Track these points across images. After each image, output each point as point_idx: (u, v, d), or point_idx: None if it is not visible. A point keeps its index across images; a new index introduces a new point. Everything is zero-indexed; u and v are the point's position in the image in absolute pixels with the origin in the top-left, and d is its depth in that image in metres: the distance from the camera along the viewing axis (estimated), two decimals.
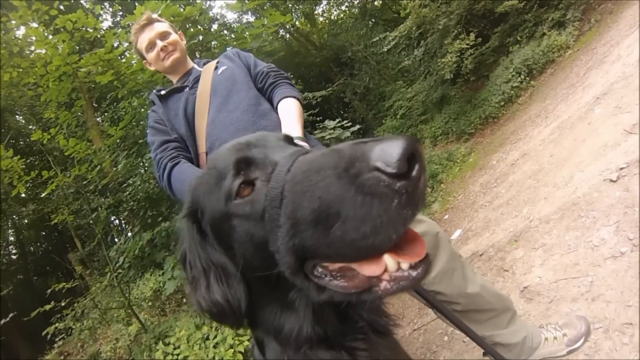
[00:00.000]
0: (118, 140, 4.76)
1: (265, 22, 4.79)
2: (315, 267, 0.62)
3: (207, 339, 3.85)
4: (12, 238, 15.31)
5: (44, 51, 4.66)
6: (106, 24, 13.93)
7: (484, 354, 1.81)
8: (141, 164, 4.79)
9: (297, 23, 13.31)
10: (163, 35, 1.90)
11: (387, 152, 0.49)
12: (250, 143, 0.75)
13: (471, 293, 1.60)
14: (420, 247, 0.59)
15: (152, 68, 2.00)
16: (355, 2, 14.68)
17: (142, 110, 4.50)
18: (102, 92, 6.02)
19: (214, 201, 0.71)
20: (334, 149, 0.58)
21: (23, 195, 10.71)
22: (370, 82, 11.85)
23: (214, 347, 3.68)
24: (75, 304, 5.34)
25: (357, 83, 11.92)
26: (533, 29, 8.24)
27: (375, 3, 14.21)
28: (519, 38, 8.44)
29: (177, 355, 3.79)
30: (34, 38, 5.01)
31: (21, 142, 12.04)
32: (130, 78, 4.49)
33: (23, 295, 12.26)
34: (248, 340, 3.69)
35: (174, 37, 1.92)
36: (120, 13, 13.63)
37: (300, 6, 13.18)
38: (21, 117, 11.01)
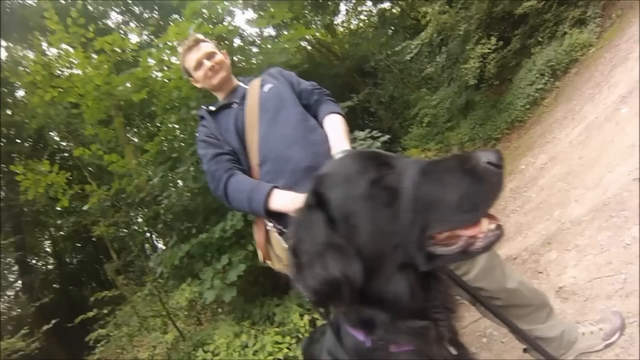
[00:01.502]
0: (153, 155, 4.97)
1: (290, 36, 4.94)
2: (428, 240, 0.83)
3: (246, 346, 3.96)
4: (48, 249, 15.94)
5: (79, 71, 4.95)
6: (134, 39, 14.61)
7: (525, 350, 1.88)
8: (175, 177, 4.98)
9: (317, 34, 13.49)
10: (210, 55, 2.05)
11: (490, 154, 0.78)
12: (378, 152, 0.96)
13: (511, 289, 1.69)
14: (495, 214, 0.85)
15: (199, 85, 2.14)
16: (374, 11, 14.85)
17: (178, 126, 4.69)
18: (137, 109, 6.28)
19: (351, 192, 0.88)
20: (445, 158, 0.87)
21: (59, 208, 11.16)
22: (395, 91, 11.92)
23: (254, 354, 3.80)
24: (117, 312, 5.59)
25: (382, 92, 12.00)
26: (554, 29, 8.15)
27: (394, 10, 14.33)
28: (540, 39, 8.35)
29: None
30: (73, 59, 5.32)
31: (56, 158, 12.64)
32: (165, 95, 4.69)
33: (59, 304, 12.68)
34: (287, 347, 3.80)
35: (219, 56, 2.07)
36: (146, 33, 14.19)
37: (320, 18, 13.37)
38: (55, 134, 11.49)
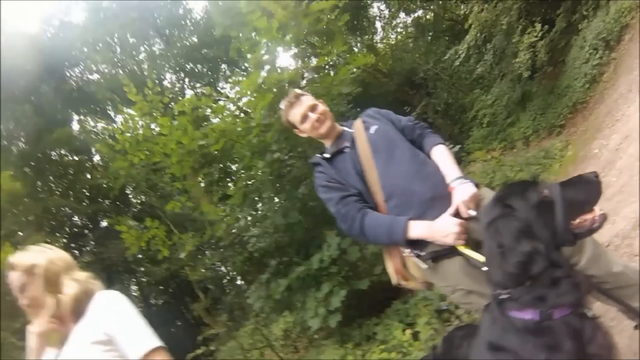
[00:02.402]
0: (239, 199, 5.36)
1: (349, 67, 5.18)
2: (571, 226, 1.34)
3: None
4: (135, 294, 17.06)
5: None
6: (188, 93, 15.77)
7: (635, 327, 1.93)
8: (260, 217, 5.32)
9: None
10: (312, 108, 2.25)
11: (592, 173, 1.37)
12: (534, 180, 1.42)
13: (616, 272, 1.77)
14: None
15: (304, 135, 2.35)
16: (409, 22, 14.95)
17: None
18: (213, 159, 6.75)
19: (528, 202, 1.34)
20: (571, 179, 1.44)
21: (140, 255, 12.05)
22: (449, 97, 11.87)
23: None
24: (222, 347, 5.99)
25: (436, 101, 11.95)
26: None
27: (428, 17, 14.35)
28: (585, 12, 7.93)
29: None
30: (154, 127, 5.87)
31: (134, 211, 13.84)
32: (245, 142, 5.05)
33: None
34: None
35: (322, 107, 2.27)
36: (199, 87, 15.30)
37: (359, 39, 13.58)
38: (133, 191, 12.49)
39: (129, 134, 5.95)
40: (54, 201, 13.06)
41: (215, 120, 5.85)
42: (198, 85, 16.20)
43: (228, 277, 12.86)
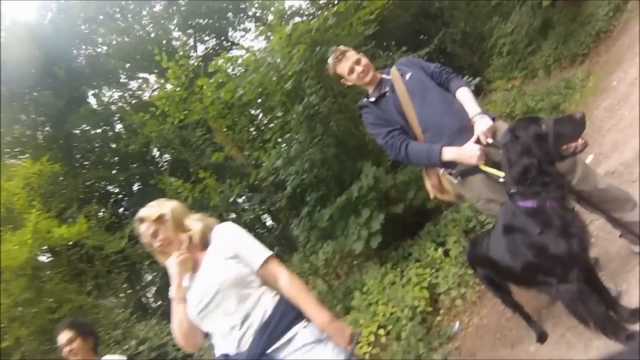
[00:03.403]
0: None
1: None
2: (560, 149, 1.93)
3: (394, 283, 4.67)
4: None
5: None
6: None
7: (620, 235, 2.50)
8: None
9: None
10: (357, 61, 2.73)
11: (579, 113, 1.93)
12: (536, 116, 2.09)
13: (602, 188, 2.30)
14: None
15: (350, 83, 2.87)
16: None
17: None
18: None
19: (530, 133, 1.95)
20: (563, 117, 2.02)
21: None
22: (466, 26, 11.54)
23: (402, 287, 4.51)
24: None
25: (454, 30, 11.59)
26: None
27: None
28: None
29: (372, 299, 4.68)
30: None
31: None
32: (275, 90, 5.56)
33: None
34: (430, 276, 4.51)
35: (364, 60, 2.74)
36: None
37: None
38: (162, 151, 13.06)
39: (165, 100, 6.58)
40: (90, 174, 13.80)
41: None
42: (207, 39, 16.45)
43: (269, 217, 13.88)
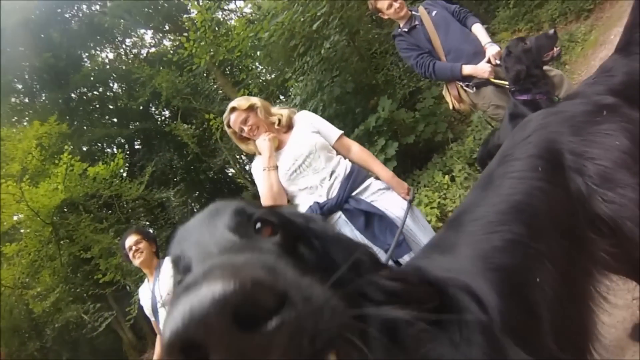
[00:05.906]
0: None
1: None
2: (541, 57, 2.60)
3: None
4: None
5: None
6: None
7: None
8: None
9: None
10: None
11: (551, 31, 2.64)
12: (522, 37, 2.73)
13: None
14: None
15: (385, 17, 3.45)
16: None
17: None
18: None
19: (519, 49, 2.59)
20: (540, 35, 2.67)
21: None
22: None
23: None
24: None
25: None
26: None
27: None
28: None
29: None
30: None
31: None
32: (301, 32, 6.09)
33: None
34: (439, 197, 5.16)
35: (401, 1, 3.34)
36: None
37: None
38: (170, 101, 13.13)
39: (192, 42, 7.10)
40: (94, 133, 14.05)
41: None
42: None
43: None
